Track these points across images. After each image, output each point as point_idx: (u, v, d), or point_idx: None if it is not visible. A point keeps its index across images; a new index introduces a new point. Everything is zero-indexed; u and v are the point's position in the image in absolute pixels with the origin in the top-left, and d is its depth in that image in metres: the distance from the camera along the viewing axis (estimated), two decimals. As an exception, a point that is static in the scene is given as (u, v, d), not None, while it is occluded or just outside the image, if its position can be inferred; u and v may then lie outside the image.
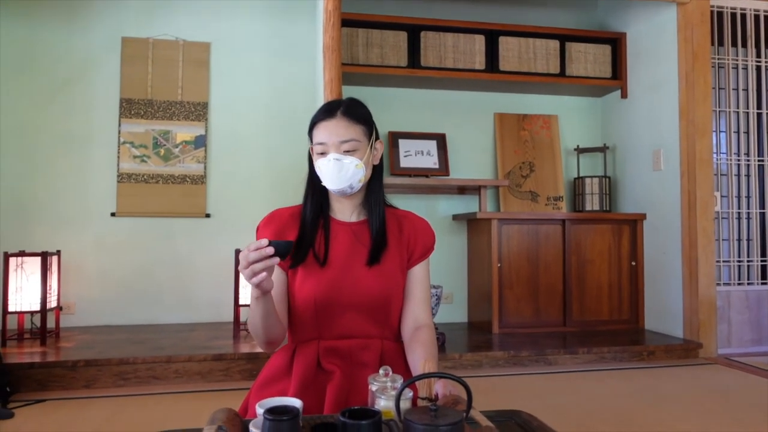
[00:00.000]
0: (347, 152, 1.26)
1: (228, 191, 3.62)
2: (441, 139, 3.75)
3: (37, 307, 2.93)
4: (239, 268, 1.05)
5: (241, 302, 3.11)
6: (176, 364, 2.60)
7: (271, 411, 0.76)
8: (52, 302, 3.03)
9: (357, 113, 1.30)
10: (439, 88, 3.83)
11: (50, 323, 3.03)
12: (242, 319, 3.16)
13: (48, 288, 2.95)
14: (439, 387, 0.98)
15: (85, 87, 3.49)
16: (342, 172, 1.26)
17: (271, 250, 1.01)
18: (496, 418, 1.01)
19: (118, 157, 3.49)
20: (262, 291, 1.10)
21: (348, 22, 3.38)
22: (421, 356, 1.18)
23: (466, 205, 3.84)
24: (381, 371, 0.92)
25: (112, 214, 3.47)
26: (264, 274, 1.04)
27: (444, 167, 3.69)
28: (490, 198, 3.87)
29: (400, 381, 0.90)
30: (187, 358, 2.61)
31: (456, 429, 0.76)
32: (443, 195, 3.83)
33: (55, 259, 3.09)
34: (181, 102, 3.58)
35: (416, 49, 3.56)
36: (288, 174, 3.60)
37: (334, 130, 1.27)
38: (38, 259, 2.93)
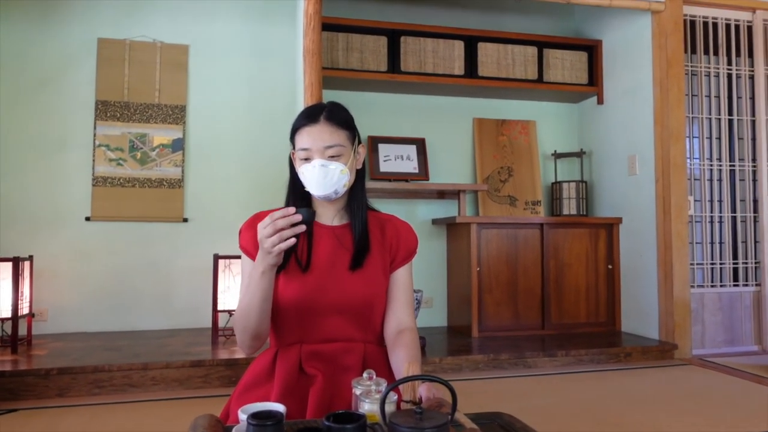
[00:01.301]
0: (332, 158, 1.26)
1: (206, 195, 3.58)
2: (420, 144, 3.77)
3: (8, 314, 2.84)
4: (260, 236, 1.09)
5: (219, 307, 3.07)
6: (153, 371, 2.55)
7: (255, 416, 0.75)
8: (24, 309, 2.95)
9: (340, 118, 1.30)
10: (419, 93, 3.85)
11: (22, 330, 2.95)
12: (221, 324, 3.12)
13: (20, 294, 2.87)
14: (423, 390, 0.98)
15: (59, 88, 3.42)
16: (327, 178, 1.25)
17: (299, 217, 1.07)
18: (479, 421, 1.01)
19: (94, 160, 3.42)
20: (276, 263, 1.14)
21: (328, 26, 3.38)
22: (404, 359, 1.18)
23: (446, 209, 3.86)
24: (365, 375, 0.91)
25: (87, 219, 3.40)
26: (292, 240, 1.08)
27: (423, 172, 3.71)
28: (469, 202, 3.89)
29: (384, 385, 0.89)
30: (164, 365, 2.56)
31: (441, 431, 0.76)
32: (423, 199, 3.85)
33: (27, 264, 3.01)
34: (158, 105, 3.53)
35: (396, 54, 3.57)
36: (267, 178, 3.58)
37: (318, 135, 1.26)
38: (9, 265, 2.85)
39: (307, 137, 1.27)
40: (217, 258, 3.09)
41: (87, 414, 2.21)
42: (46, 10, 3.43)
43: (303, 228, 1.08)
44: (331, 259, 1.31)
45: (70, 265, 3.37)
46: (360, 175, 1.37)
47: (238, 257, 3.12)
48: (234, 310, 3.08)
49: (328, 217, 1.36)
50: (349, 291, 1.29)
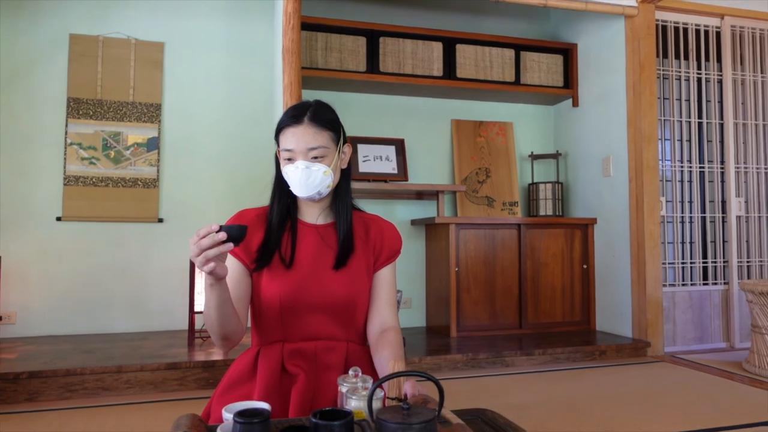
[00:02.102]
0: (315, 159, 1.25)
1: (182, 195, 3.53)
2: (400, 145, 3.78)
3: (-26, 317, 2.75)
4: (191, 256, 1.02)
5: (196, 309, 3.03)
6: (127, 374, 2.50)
7: (241, 414, 0.74)
8: (-9, 312, 2.86)
9: (325, 119, 1.29)
10: (398, 93, 3.86)
11: (-11, 334, 2.86)
12: (197, 326, 3.07)
13: (-13, 297, 2.78)
14: (408, 387, 0.98)
15: (29, 85, 3.33)
16: (310, 179, 1.25)
17: (223, 235, 0.99)
18: (464, 417, 1.01)
19: (65, 158, 3.34)
20: (216, 278, 1.07)
21: (307, 25, 3.37)
22: (389, 357, 1.18)
23: (424, 210, 3.87)
24: (351, 372, 0.91)
25: (58, 219, 3.32)
26: (213, 263, 1.01)
27: (402, 172, 3.71)
28: (448, 203, 3.92)
29: (370, 382, 0.89)
30: (139, 368, 2.51)
31: (429, 427, 0.76)
32: (402, 200, 3.85)
33: (-6, 266, 2.92)
34: (132, 103, 3.46)
35: (375, 54, 3.58)
36: (244, 177, 3.55)
37: (301, 137, 1.25)
38: (-24, 266, 2.76)
39: (291, 138, 1.26)
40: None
41: (58, 419, 2.15)
42: (17, 5, 3.33)
43: (230, 246, 1.00)
44: (315, 257, 1.31)
45: (39, 266, 3.28)
46: (345, 175, 1.36)
47: (215, 258, 3.08)
48: (211, 312, 3.04)
49: (313, 215, 1.36)
50: (332, 289, 1.29)
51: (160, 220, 3.47)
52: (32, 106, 3.33)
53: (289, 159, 1.27)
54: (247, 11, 3.70)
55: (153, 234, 3.46)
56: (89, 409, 2.28)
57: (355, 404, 0.85)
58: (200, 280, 3.05)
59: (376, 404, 0.84)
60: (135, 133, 3.46)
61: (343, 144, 1.34)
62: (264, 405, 0.86)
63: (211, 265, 1.01)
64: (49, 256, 3.30)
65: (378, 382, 0.78)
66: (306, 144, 1.25)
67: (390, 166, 3.70)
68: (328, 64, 3.48)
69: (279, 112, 3.03)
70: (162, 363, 2.54)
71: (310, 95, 2.94)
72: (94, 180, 3.37)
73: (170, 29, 3.57)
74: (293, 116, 1.29)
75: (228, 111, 3.63)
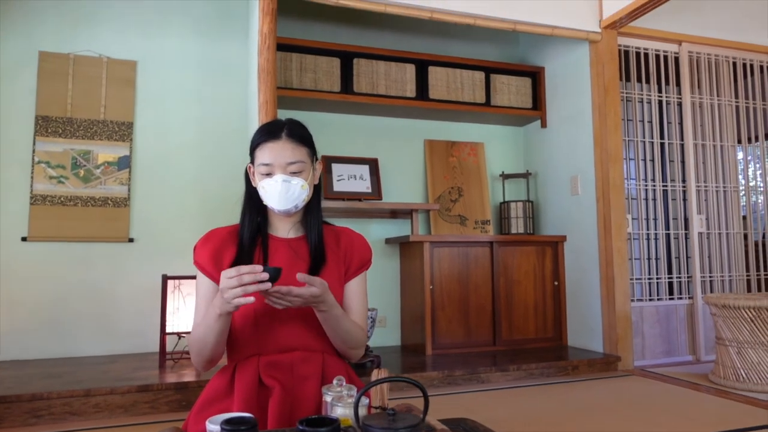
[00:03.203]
0: (293, 174, 1.29)
1: (154, 215, 3.47)
2: (373, 164, 3.82)
3: (-68, 341, 2.64)
4: (223, 285, 1.10)
5: (168, 329, 2.96)
6: (96, 398, 2.42)
7: (228, 422, 0.74)
8: (-50, 336, 2.75)
9: (301, 135, 1.34)
10: (372, 114, 3.92)
11: (-53, 359, 2.74)
12: (169, 347, 3.01)
13: (-54, 320, 2.67)
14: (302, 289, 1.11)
15: (-5, 103, 3.26)
16: (289, 192, 1.29)
17: (266, 275, 1.09)
18: (446, 425, 1.03)
19: (32, 177, 3.26)
20: (233, 311, 1.15)
21: (282, 46, 3.40)
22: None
23: (398, 228, 3.90)
24: (335, 382, 0.92)
25: (23, 239, 3.23)
26: (252, 297, 1.11)
27: (376, 191, 3.75)
28: (422, 222, 3.96)
29: (354, 390, 0.90)
30: (108, 391, 2.44)
31: (415, 431, 0.77)
32: (376, 219, 3.88)
33: (-45, 288, 2.82)
34: (104, 121, 3.42)
35: (349, 75, 3.63)
36: (217, 197, 3.52)
37: (280, 152, 1.29)
38: (-64, 288, 2.66)
39: (269, 153, 1.29)
40: (165, 278, 2.99)
41: (23, 445, 2.07)
42: (-17, 21, 3.28)
43: (268, 285, 1.10)
44: (288, 269, 1.32)
45: (3, 288, 3.17)
46: (316, 190, 1.40)
47: (188, 277, 3.04)
48: (184, 333, 2.99)
49: (284, 229, 1.38)
50: None
51: (131, 240, 3.41)
52: (-2, 123, 3.26)
53: (268, 174, 1.29)
54: (221, 31, 3.72)
55: (123, 254, 3.39)
56: (55, 434, 2.20)
57: (340, 411, 0.86)
58: (173, 299, 3.00)
59: (362, 411, 0.85)
60: (106, 152, 3.41)
61: (316, 161, 1.38)
62: (248, 415, 0.86)
63: (250, 299, 1.10)
64: (12, 277, 3.19)
65: (364, 389, 0.79)
66: (285, 159, 1.28)
67: (364, 185, 3.73)
68: (302, 84, 3.51)
69: (253, 131, 3.04)
70: (133, 386, 2.48)
71: (285, 114, 2.96)
72: (62, 199, 3.30)
73: (143, 48, 3.55)
74: (271, 132, 1.32)
75: (201, 130, 3.62)
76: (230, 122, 3.64)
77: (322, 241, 1.36)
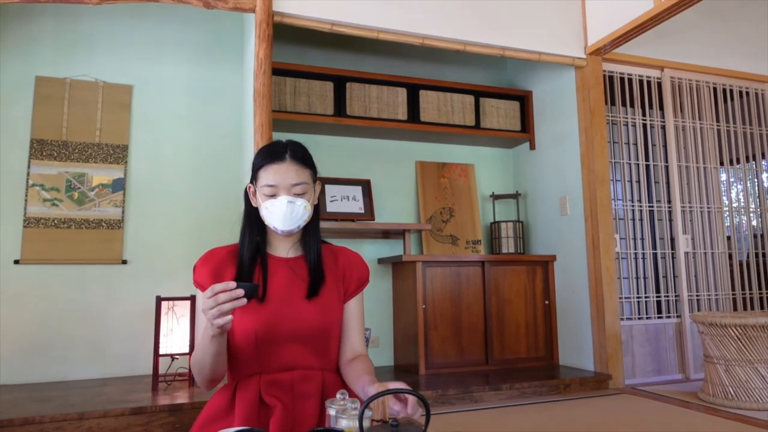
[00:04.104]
0: (297, 195, 1.32)
1: (147, 237, 3.49)
2: (366, 185, 3.87)
3: None
4: (202, 308, 1.09)
5: (162, 351, 2.96)
6: (89, 421, 2.41)
7: (239, 433, 0.77)
8: (-60, 359, 2.72)
9: (304, 157, 1.37)
10: (364, 136, 3.99)
11: (-63, 383, 2.71)
12: (162, 369, 3.00)
13: (-63, 343, 2.65)
14: (410, 404, 1.03)
15: (-10, 126, 3.28)
16: (293, 214, 1.31)
17: (240, 291, 1.07)
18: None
19: (26, 200, 3.27)
20: (222, 331, 1.14)
21: (276, 70, 3.47)
22: (366, 381, 1.22)
23: (391, 248, 3.94)
24: (338, 396, 0.95)
25: (16, 262, 3.22)
26: (228, 317, 1.09)
27: (369, 212, 3.79)
28: (414, 242, 4.00)
29: (358, 404, 0.93)
30: (102, 414, 2.42)
31: (417, 442, 0.80)
32: (368, 239, 3.92)
33: (-54, 310, 2.80)
34: (98, 144, 3.45)
35: (342, 98, 3.70)
36: (211, 219, 3.55)
37: (285, 173, 1.31)
38: (-73, 311, 2.64)
39: (274, 174, 1.32)
40: (159, 299, 3.00)
41: (16, 469, 2.05)
42: (-19, 46, 3.32)
43: (244, 302, 1.08)
44: (288, 289, 1.35)
45: (-6, 311, 3.15)
46: (316, 210, 1.43)
47: (182, 298, 3.05)
48: (177, 354, 2.98)
49: (284, 249, 1.41)
50: (306, 319, 1.32)
51: (124, 262, 3.41)
52: (-7, 146, 3.27)
53: (272, 195, 1.33)
54: (215, 57, 3.79)
55: (116, 276, 3.39)
56: (48, 458, 2.18)
57: (345, 424, 0.89)
58: (167, 321, 3.00)
59: (366, 423, 0.88)
60: (100, 174, 3.43)
61: (315, 181, 1.42)
62: (258, 429, 0.88)
63: (227, 318, 1.09)
64: (4, 300, 3.18)
65: (369, 400, 0.83)
66: (290, 180, 1.32)
67: (357, 206, 3.78)
68: (296, 108, 3.58)
69: (249, 154, 3.08)
70: (126, 408, 2.47)
71: (279, 137, 3.01)
72: (56, 221, 3.31)
73: (139, 73, 3.61)
74: (274, 153, 1.35)
75: (195, 153, 3.66)
76: (223, 146, 3.68)
77: (320, 260, 1.39)
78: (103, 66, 3.54)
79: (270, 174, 1.32)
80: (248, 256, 1.35)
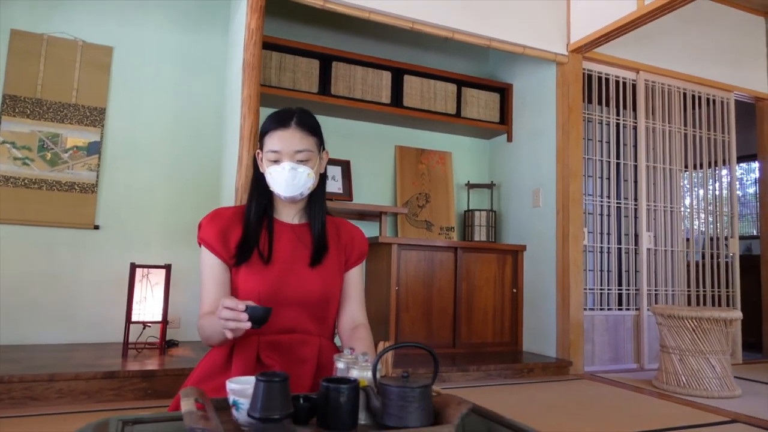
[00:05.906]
0: (301, 162, 1.34)
1: (122, 203, 3.42)
2: (346, 166, 3.89)
3: None
4: (217, 313, 1.10)
5: (134, 318, 2.93)
6: (59, 383, 2.38)
7: (263, 374, 0.80)
8: None
9: (310, 124, 1.39)
10: (347, 117, 4.00)
11: None
12: (132, 338, 2.97)
13: None
14: None
15: (-40, 78, 3.15)
16: (295, 180, 1.33)
17: (245, 317, 1.05)
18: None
19: (-5, 157, 3.17)
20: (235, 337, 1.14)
21: (263, 44, 3.43)
22: (366, 348, 1.26)
23: (366, 230, 3.98)
24: (346, 351, 0.99)
25: (-18, 220, 3.12)
26: (232, 332, 1.09)
27: (348, 192, 3.82)
28: (389, 225, 4.05)
29: (369, 356, 0.98)
30: (73, 376, 2.40)
31: (426, 391, 0.86)
32: (345, 219, 3.94)
33: None
34: (75, 105, 3.35)
35: (327, 77, 3.70)
36: (190, 189, 3.51)
37: (289, 139, 1.34)
38: None
39: (279, 140, 1.34)
40: (134, 266, 2.96)
41: (-15, 427, 2.02)
42: (-47, -7, 3.17)
43: (248, 326, 1.05)
44: (292, 254, 1.38)
45: (-43, 270, 3.05)
46: (322, 179, 1.46)
47: (157, 267, 3.02)
48: (150, 322, 2.96)
49: (289, 215, 1.44)
50: (308, 285, 1.36)
51: (96, 227, 3.35)
52: (-37, 99, 3.15)
53: (275, 160, 1.35)
54: (201, 24, 3.72)
55: (88, 241, 3.33)
56: (15, 419, 2.15)
57: (356, 374, 0.93)
58: (140, 288, 2.97)
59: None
60: (75, 136, 3.34)
61: (323, 150, 1.44)
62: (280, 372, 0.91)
63: (231, 333, 1.09)
64: (-32, 259, 3.08)
65: (382, 352, 0.87)
66: (293, 146, 1.34)
67: (336, 186, 3.80)
68: (281, 83, 3.56)
69: (233, 125, 3.06)
70: (98, 372, 2.45)
71: (262, 111, 3.01)
72: (26, 181, 3.21)
73: (120, 34, 3.52)
74: (281, 120, 1.37)
75: (175, 121, 3.60)
76: (205, 116, 3.64)
77: (324, 230, 1.42)
78: (83, 24, 3.43)
79: (275, 140, 1.35)
80: (255, 218, 1.37)
